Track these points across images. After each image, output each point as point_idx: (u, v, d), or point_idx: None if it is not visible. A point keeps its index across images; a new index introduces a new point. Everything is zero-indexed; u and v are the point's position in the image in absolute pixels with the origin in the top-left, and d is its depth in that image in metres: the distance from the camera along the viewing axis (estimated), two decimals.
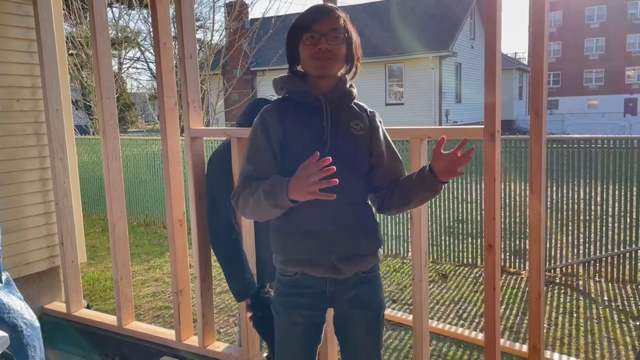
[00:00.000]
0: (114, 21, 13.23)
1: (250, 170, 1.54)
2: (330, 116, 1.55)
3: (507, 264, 5.57)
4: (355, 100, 1.64)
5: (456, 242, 5.94)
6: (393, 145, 1.68)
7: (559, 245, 5.38)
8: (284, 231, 1.58)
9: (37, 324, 1.38)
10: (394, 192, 1.61)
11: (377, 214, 1.73)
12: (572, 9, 39.98)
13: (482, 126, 1.87)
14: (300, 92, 1.57)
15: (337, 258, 1.54)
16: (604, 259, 5.19)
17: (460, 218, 5.96)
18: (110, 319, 3.01)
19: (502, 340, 3.82)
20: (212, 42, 10.86)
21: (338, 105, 1.58)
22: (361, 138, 1.59)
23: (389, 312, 4.41)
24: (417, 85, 19.39)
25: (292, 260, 1.58)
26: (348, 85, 1.61)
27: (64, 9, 9.56)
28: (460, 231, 5.93)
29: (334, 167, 1.30)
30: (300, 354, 1.63)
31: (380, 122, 1.66)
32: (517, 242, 5.55)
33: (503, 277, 5.33)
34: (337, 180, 1.31)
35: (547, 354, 3.57)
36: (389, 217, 6.29)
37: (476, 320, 4.25)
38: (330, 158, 1.31)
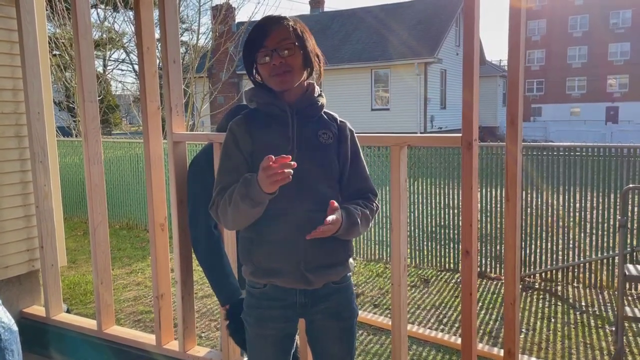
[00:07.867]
0: (98, 22, 13.14)
1: (225, 181, 1.52)
2: (296, 126, 1.53)
3: (488, 269, 5.64)
4: (325, 110, 1.61)
5: (438, 247, 5.99)
6: (362, 160, 1.64)
7: (538, 251, 5.47)
8: (250, 241, 1.55)
9: (15, 328, 1.37)
10: None
11: None
12: (556, 17, 40.60)
13: (460, 135, 1.90)
14: (266, 104, 1.56)
15: (306, 268, 1.50)
16: (582, 265, 5.28)
17: (442, 224, 6.02)
18: (90, 324, 2.98)
19: (480, 345, 3.87)
20: (198, 45, 10.84)
21: (305, 115, 1.56)
22: (330, 146, 1.56)
23: (370, 316, 4.44)
24: (403, 91, 19.54)
25: (259, 271, 1.54)
26: (316, 95, 1.59)
27: (48, 10, 9.49)
28: (442, 237, 5.99)
29: (293, 162, 1.32)
30: None
31: (351, 131, 1.63)
32: (498, 248, 5.62)
33: (484, 283, 5.40)
34: (294, 163, 1.32)
35: (525, 358, 3.62)
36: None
37: (456, 325, 4.30)
38: (289, 157, 1.32)
